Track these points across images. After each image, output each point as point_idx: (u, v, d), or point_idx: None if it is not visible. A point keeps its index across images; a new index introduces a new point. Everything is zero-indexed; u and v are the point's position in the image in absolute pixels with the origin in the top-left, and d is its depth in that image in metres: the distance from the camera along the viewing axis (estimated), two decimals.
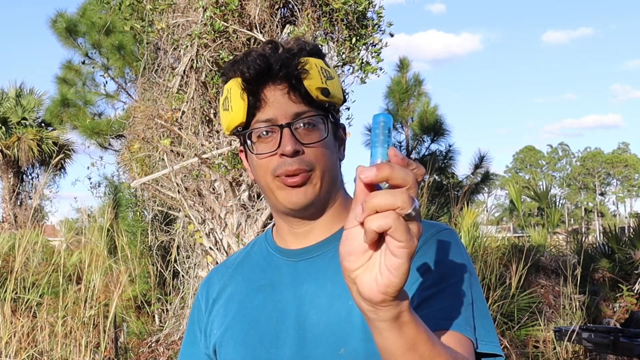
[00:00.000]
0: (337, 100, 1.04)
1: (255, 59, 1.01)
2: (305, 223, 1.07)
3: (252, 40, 4.19)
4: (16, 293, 4.24)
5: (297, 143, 1.00)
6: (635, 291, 6.94)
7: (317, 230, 1.07)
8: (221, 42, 4.19)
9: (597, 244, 8.78)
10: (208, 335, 1.13)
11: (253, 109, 1.02)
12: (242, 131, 1.04)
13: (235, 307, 1.10)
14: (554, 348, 5.53)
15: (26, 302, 4.34)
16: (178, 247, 5.05)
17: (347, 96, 4.46)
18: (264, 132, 1.02)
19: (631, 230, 8.83)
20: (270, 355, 1.02)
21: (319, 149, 1.02)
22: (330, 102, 1.03)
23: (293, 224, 1.07)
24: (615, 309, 6.96)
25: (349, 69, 4.37)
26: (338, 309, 0.99)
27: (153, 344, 5.17)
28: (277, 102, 1.01)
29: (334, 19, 4.23)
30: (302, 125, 1.01)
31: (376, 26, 4.37)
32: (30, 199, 16.37)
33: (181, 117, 4.42)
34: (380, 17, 4.40)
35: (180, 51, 4.42)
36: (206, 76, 4.28)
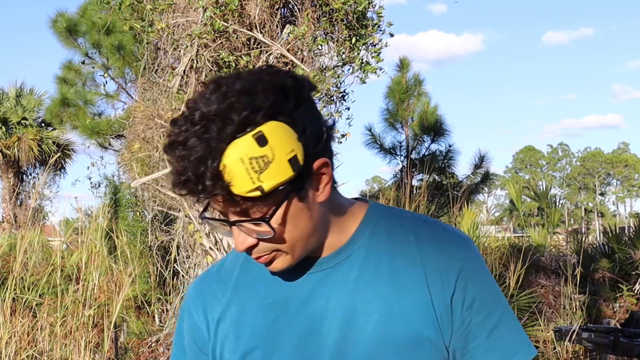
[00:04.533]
0: (283, 180, 0.88)
1: (177, 168, 0.88)
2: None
3: (252, 40, 4.19)
4: (16, 293, 4.24)
5: (247, 238, 0.94)
6: (635, 291, 6.94)
7: (324, 247, 1.03)
8: (221, 42, 4.19)
9: (597, 244, 8.78)
10: (219, 358, 1.07)
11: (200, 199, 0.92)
12: (204, 216, 0.96)
13: (248, 330, 1.04)
14: (554, 348, 5.53)
15: (26, 302, 4.34)
16: (178, 247, 5.05)
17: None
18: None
19: (631, 230, 8.83)
20: None
21: (277, 235, 0.93)
22: (274, 191, 0.88)
23: None
24: (615, 309, 6.96)
25: (348, 69, 4.37)
26: (364, 324, 0.98)
27: (153, 344, 5.17)
28: (217, 203, 0.91)
29: (333, 19, 4.23)
30: (246, 221, 0.92)
31: (376, 26, 4.37)
32: (30, 199, 16.37)
33: None
34: (380, 17, 4.40)
35: (180, 51, 4.43)
36: (206, 76, 4.28)
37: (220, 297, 1.08)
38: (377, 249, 1.02)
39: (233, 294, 1.07)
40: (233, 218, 0.92)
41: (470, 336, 1.00)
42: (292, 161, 0.87)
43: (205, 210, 0.98)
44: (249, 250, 0.96)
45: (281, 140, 0.86)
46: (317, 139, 0.92)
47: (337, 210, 1.02)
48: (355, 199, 1.09)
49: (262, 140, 0.85)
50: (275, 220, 0.91)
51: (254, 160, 0.85)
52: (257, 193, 0.86)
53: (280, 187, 0.88)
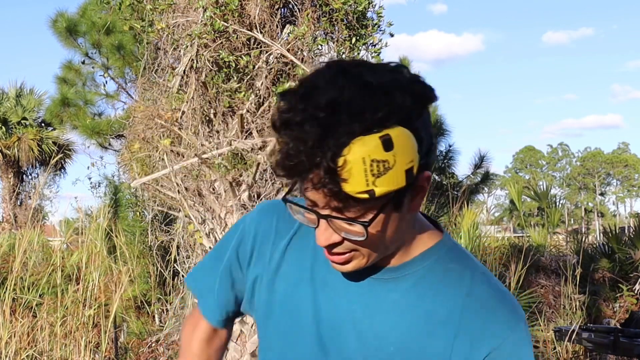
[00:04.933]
0: (394, 189, 0.83)
1: (289, 151, 0.83)
2: None
3: (252, 40, 4.19)
4: (16, 293, 4.24)
5: (332, 235, 0.89)
6: (635, 291, 6.94)
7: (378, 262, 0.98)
8: (221, 42, 4.19)
9: (597, 244, 8.78)
10: (263, 264, 1.05)
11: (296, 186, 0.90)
12: (288, 199, 0.93)
13: (282, 287, 1.03)
14: (554, 348, 5.53)
15: (26, 302, 4.34)
16: (178, 247, 5.05)
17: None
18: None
19: (631, 230, 8.82)
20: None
21: (360, 241, 0.89)
22: (382, 197, 0.83)
23: None
24: (615, 309, 6.96)
25: None
26: (378, 348, 0.96)
27: (153, 344, 5.17)
28: (317, 193, 0.85)
29: (333, 19, 4.23)
30: (341, 219, 0.87)
31: (376, 26, 4.37)
32: (30, 199, 16.37)
33: (181, 117, 4.42)
34: (380, 17, 4.40)
35: (180, 51, 4.43)
36: (206, 76, 4.28)
37: (286, 234, 1.06)
38: (426, 285, 0.97)
39: (291, 244, 1.05)
40: (325, 212, 0.87)
41: None
42: (409, 172, 0.83)
43: (289, 192, 0.93)
44: (331, 247, 0.91)
45: (404, 148, 0.82)
46: (427, 151, 0.88)
47: (413, 227, 0.98)
48: (433, 223, 1.04)
49: (388, 145, 0.81)
50: (372, 226, 0.87)
51: (375, 163, 0.80)
52: (366, 196, 0.81)
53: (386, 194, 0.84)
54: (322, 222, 0.88)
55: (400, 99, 0.83)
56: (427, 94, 0.87)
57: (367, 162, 0.80)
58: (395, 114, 0.82)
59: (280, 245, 1.05)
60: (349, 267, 0.94)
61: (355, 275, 0.98)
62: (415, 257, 0.99)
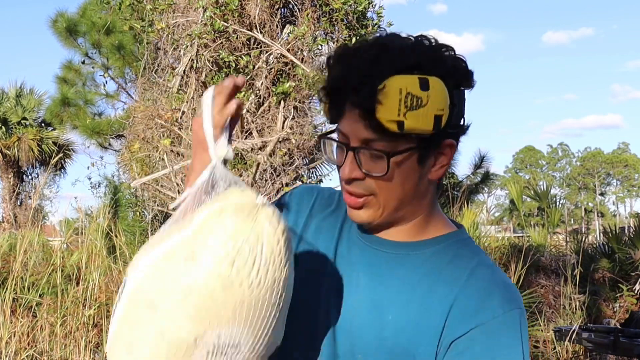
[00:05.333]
0: (421, 131, 0.91)
1: (338, 71, 0.95)
2: (375, 232, 1.05)
3: (252, 40, 4.19)
4: (16, 293, 4.24)
5: (355, 170, 0.96)
6: (635, 291, 6.93)
7: (393, 235, 1.05)
8: (221, 42, 4.19)
9: (597, 244, 8.77)
10: (307, 219, 1.12)
11: (335, 117, 0.99)
12: (325, 134, 1.02)
13: (302, 248, 1.09)
14: (554, 348, 5.53)
15: (26, 302, 4.34)
16: None
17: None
18: (338, 145, 1.00)
19: (631, 230, 8.82)
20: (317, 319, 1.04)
21: (381, 181, 0.96)
22: (408, 134, 0.91)
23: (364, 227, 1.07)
24: (615, 309, 6.95)
25: None
26: (379, 315, 1.01)
27: None
28: (352, 122, 0.95)
29: (333, 19, 4.23)
30: (368, 153, 0.95)
31: (376, 26, 4.37)
32: (30, 199, 16.37)
33: (181, 117, 4.42)
34: (380, 17, 4.41)
35: (180, 51, 4.43)
36: (206, 76, 4.28)
37: (320, 212, 1.14)
38: (433, 265, 1.02)
39: (322, 222, 1.12)
40: (355, 144, 0.95)
41: None
42: (437, 119, 0.91)
43: (326, 135, 1.01)
44: (351, 181, 0.97)
45: (438, 95, 0.91)
46: (457, 121, 0.97)
47: (431, 208, 1.05)
48: (452, 221, 1.11)
49: (424, 85, 0.90)
50: (393, 161, 0.94)
51: (410, 96, 0.89)
52: (395, 126, 0.90)
53: (413, 136, 0.92)
54: (350, 155, 0.96)
55: (442, 59, 0.95)
56: (467, 74, 0.98)
57: (403, 93, 0.89)
58: (436, 69, 0.92)
59: (314, 219, 1.13)
60: (363, 216, 1.00)
61: (370, 250, 1.04)
62: (428, 238, 1.04)
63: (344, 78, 0.94)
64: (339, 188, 1.09)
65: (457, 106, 0.95)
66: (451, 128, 0.96)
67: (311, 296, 1.04)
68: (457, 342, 0.96)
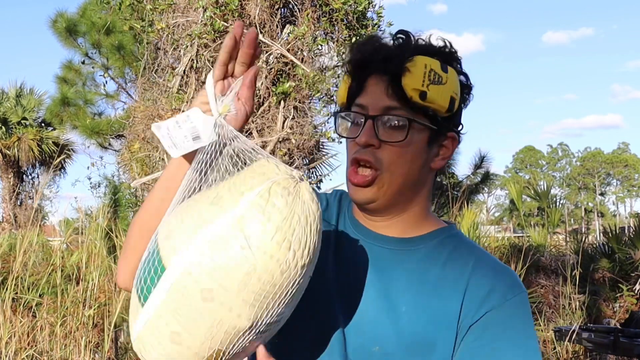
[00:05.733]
0: (438, 107, 1.00)
1: (367, 48, 1.04)
2: (375, 219, 1.08)
3: None
4: (16, 293, 4.24)
5: (373, 137, 1.01)
6: (635, 291, 6.94)
7: (390, 230, 1.08)
8: (221, 42, 4.19)
9: (597, 244, 8.77)
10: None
11: (354, 93, 1.05)
12: (339, 112, 1.08)
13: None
14: (554, 348, 5.53)
15: (26, 302, 4.34)
16: None
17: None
18: (355, 119, 1.05)
19: (631, 230, 8.82)
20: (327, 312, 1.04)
21: (396, 150, 1.01)
22: (427, 106, 1.00)
23: (366, 215, 1.09)
24: (615, 309, 6.95)
25: None
26: (390, 309, 1.03)
27: None
28: (374, 93, 1.02)
29: (334, 19, 4.23)
30: (387, 121, 1.01)
31: (376, 26, 4.37)
32: (30, 199, 16.37)
33: None
34: (380, 17, 4.41)
35: (180, 51, 4.43)
36: (206, 76, 4.29)
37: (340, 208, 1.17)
38: (437, 255, 1.06)
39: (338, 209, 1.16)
40: (375, 113, 1.01)
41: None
42: (452, 101, 1.01)
43: (339, 112, 1.08)
44: (367, 147, 1.01)
45: (455, 81, 1.02)
46: (460, 119, 1.08)
47: (426, 202, 1.11)
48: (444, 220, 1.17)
49: (445, 68, 1.01)
50: (411, 130, 1.00)
51: (433, 72, 0.99)
52: (418, 95, 0.98)
53: (430, 112, 1.01)
54: (368, 123, 1.01)
55: (457, 59, 1.06)
56: (469, 87, 1.08)
57: (428, 68, 0.99)
58: (454, 58, 1.04)
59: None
60: (368, 193, 1.03)
61: (371, 246, 1.08)
62: (426, 233, 1.09)
63: (374, 53, 1.02)
64: (339, 188, 1.10)
65: (461, 103, 1.05)
66: (457, 119, 1.06)
67: (317, 295, 1.04)
68: (475, 326, 1.00)
